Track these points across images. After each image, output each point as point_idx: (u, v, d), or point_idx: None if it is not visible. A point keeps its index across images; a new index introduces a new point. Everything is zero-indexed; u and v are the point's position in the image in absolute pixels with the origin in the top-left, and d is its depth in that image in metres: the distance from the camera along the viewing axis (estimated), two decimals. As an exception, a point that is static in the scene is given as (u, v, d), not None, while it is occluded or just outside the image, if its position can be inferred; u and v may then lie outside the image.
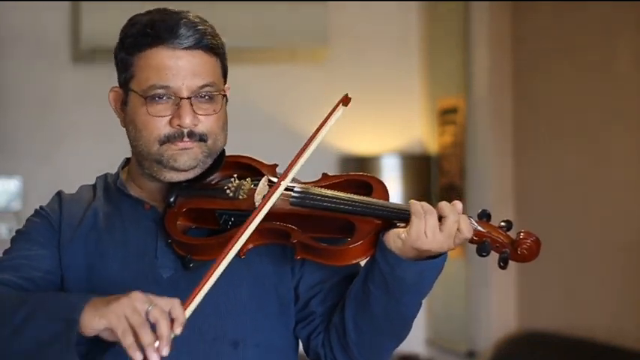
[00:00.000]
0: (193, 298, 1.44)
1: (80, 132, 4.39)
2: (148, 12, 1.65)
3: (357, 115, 4.63)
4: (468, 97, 4.37)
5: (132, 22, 1.65)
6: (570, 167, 3.87)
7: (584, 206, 3.82)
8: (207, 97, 1.63)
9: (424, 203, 1.55)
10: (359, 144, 4.63)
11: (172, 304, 1.40)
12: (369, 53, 4.68)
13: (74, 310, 1.42)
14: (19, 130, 4.35)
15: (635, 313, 3.54)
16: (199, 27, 1.63)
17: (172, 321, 1.39)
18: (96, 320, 1.40)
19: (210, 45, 1.64)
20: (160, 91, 1.61)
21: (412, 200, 1.55)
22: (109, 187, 1.73)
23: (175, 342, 1.41)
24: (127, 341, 1.37)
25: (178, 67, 1.61)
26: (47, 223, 1.69)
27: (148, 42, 1.61)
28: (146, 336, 1.37)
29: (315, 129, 1.61)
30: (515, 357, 4.01)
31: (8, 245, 1.69)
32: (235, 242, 1.50)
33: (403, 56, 4.75)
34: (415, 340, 4.51)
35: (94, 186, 1.76)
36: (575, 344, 3.76)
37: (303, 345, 1.73)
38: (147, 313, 1.38)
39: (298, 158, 1.59)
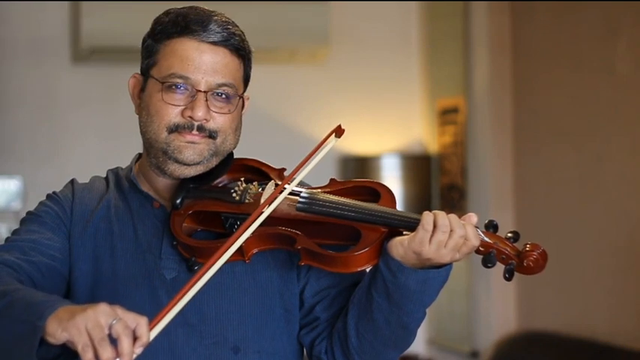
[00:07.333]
0: (161, 317, 1.37)
1: (80, 132, 4.38)
2: (184, 7, 1.67)
3: (357, 115, 4.65)
4: (468, 97, 4.37)
5: (166, 12, 1.68)
6: (570, 167, 3.87)
7: (583, 206, 3.81)
8: (223, 96, 1.65)
9: (438, 217, 1.51)
10: (359, 144, 4.62)
11: (139, 321, 1.33)
12: (370, 53, 4.68)
13: (40, 318, 1.37)
14: (19, 130, 4.35)
15: (634, 313, 3.53)
16: (229, 27, 1.65)
17: (135, 339, 1.32)
18: (58, 332, 1.35)
19: (237, 46, 1.66)
20: (178, 80, 1.62)
21: (426, 212, 1.53)
22: (121, 181, 1.73)
23: (176, 344, 1.38)
24: (86, 357, 1.31)
25: (201, 60, 1.62)
26: (60, 208, 1.68)
27: (177, 31, 1.63)
28: (104, 352, 1.30)
29: (306, 155, 1.63)
30: (515, 357, 4.01)
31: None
32: (226, 249, 1.46)
33: (403, 56, 4.74)
34: (415, 339, 4.50)
35: (107, 178, 1.76)
36: (575, 344, 3.76)
37: (307, 351, 1.72)
38: (110, 327, 1.31)
39: (289, 179, 1.59)
